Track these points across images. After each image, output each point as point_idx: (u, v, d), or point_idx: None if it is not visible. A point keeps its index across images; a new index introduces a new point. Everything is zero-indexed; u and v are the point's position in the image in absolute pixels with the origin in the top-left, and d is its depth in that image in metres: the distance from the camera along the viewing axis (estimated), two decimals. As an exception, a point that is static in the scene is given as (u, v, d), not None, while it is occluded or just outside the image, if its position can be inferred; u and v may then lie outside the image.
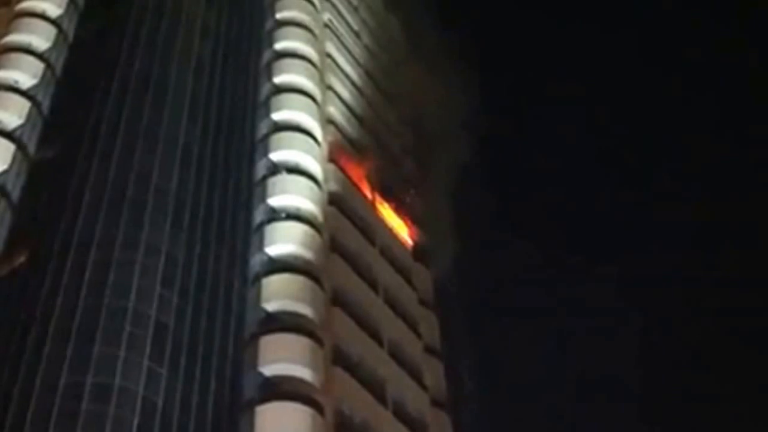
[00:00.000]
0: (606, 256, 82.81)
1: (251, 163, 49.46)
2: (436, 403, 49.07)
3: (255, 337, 41.51)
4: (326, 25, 63.52)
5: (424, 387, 48.63)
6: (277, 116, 51.64)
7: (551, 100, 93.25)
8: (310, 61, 56.83)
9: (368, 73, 64.37)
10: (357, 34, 67.95)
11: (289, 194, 47.43)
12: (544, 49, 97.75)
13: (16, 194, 43.40)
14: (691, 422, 70.23)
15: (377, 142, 60.29)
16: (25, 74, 47.41)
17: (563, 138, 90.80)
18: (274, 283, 43.37)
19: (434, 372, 50.67)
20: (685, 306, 79.57)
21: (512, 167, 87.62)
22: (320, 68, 57.97)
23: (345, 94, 59.68)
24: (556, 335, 72.59)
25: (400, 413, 45.16)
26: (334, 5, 66.80)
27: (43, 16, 50.84)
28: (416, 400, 47.13)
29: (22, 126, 45.52)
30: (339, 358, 43.19)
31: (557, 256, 78.38)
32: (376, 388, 44.28)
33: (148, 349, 37.10)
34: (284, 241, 45.17)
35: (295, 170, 48.92)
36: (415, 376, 48.42)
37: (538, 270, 76.17)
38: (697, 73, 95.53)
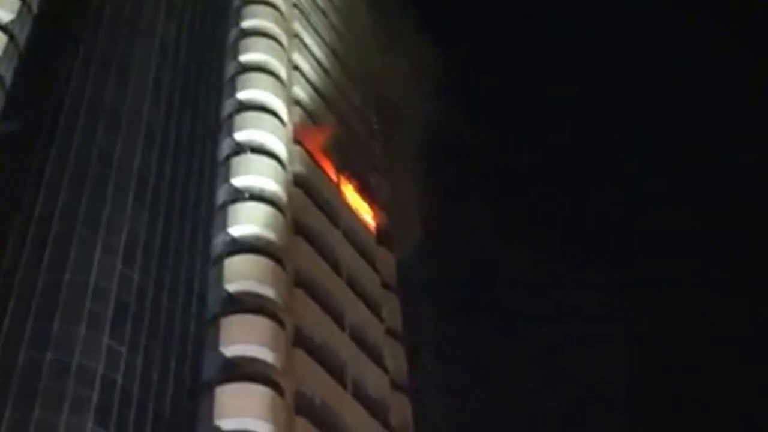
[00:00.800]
0: (594, 261, 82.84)
1: (215, 143, 49.73)
2: (396, 386, 49.88)
3: (216, 318, 41.86)
4: (294, 5, 63.66)
5: (385, 370, 49.41)
6: (242, 95, 51.82)
7: (541, 100, 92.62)
8: (277, 40, 57.01)
9: (336, 54, 64.67)
10: (324, 14, 68.13)
11: (253, 175, 47.71)
12: (534, 47, 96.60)
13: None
14: (678, 429, 71.28)
15: (343, 124, 60.69)
16: (-12, 47, 47.22)
17: (553, 140, 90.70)
18: (236, 263, 43.71)
19: (395, 355, 51.42)
20: (674, 312, 79.99)
21: (500, 170, 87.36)
22: (287, 48, 58.21)
23: (312, 74, 59.94)
24: (538, 337, 72.83)
25: (361, 395, 45.83)
26: (301, -16, 66.90)
27: (7, -12, 50.55)
28: (377, 383, 47.84)
29: (-17, 100, 45.40)
30: (300, 340, 43.70)
31: (544, 259, 78.56)
32: (336, 370, 44.91)
33: (108, 327, 37.46)
34: (247, 221, 45.50)
35: (259, 150, 49.18)
36: (376, 358, 49.14)
37: (524, 273, 76.44)
38: (690, 76, 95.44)
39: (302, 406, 41.26)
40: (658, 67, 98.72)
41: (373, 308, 51.61)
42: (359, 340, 48.39)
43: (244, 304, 42.25)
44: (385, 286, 55.09)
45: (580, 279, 76.59)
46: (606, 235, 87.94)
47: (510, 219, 79.28)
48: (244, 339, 40.96)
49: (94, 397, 35.22)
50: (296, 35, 60.99)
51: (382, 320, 51.94)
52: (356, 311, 49.77)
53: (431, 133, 67.97)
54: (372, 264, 54.60)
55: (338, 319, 47.51)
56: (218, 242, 45.06)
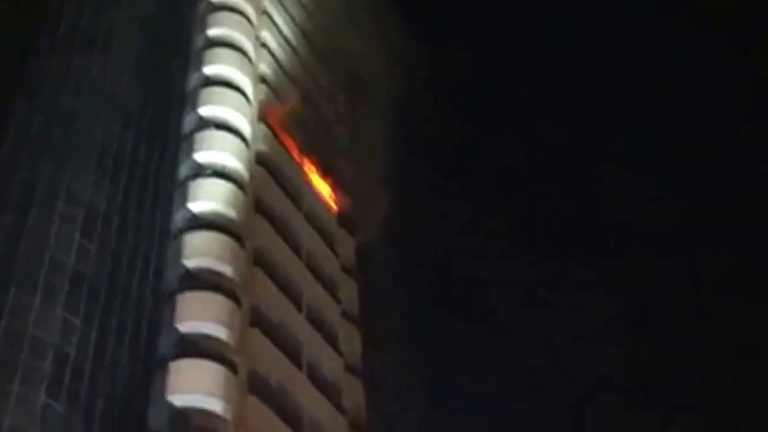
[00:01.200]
0: (587, 257, 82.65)
1: (180, 117, 49.70)
2: (350, 369, 50.38)
3: (173, 294, 42.02)
4: (265, -18, 63.44)
5: (339, 353, 49.86)
6: (208, 70, 51.76)
7: (534, 96, 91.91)
8: (245, 16, 56.91)
9: (305, 34, 64.61)
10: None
11: (216, 151, 47.74)
12: (529, 42, 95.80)
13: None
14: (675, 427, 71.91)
15: (310, 105, 60.81)
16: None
17: (550, 137, 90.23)
18: (195, 239, 43.81)
19: (351, 338, 51.83)
20: (673, 310, 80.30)
21: (488, 166, 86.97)
22: (256, 25, 58.13)
23: (280, 53, 59.92)
24: (520, 333, 73.08)
25: (315, 377, 46.29)
26: (274, -40, 66.64)
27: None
28: (331, 365, 48.32)
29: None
30: (257, 319, 44.02)
31: (534, 257, 78.50)
32: (292, 351, 45.27)
33: (63, 299, 37.54)
34: (208, 198, 45.57)
35: (223, 126, 49.22)
36: (332, 341, 49.56)
37: (514, 271, 76.54)
38: (683, 74, 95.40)
39: (256, 385, 41.59)
40: (649, 67, 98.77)
41: (331, 291, 51.95)
42: (316, 322, 48.72)
43: (202, 280, 42.42)
44: (344, 269, 55.41)
45: (572, 275, 77.02)
46: (603, 233, 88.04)
47: (499, 214, 79.41)
48: (199, 316, 41.17)
49: (47, 369, 35.33)
50: (265, 12, 60.88)
51: (339, 303, 52.32)
52: (314, 293, 50.09)
53: (409, 120, 68.54)
54: (332, 246, 54.90)
55: (295, 300, 47.80)
56: (178, 217, 45.12)
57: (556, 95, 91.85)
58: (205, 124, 49.06)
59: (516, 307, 75.94)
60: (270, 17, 61.10)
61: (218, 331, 41.06)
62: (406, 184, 68.07)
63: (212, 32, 54.13)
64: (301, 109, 58.64)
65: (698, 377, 76.13)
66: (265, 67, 56.69)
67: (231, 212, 45.63)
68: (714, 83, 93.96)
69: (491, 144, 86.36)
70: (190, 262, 43.06)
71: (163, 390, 38.69)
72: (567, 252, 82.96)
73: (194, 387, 39.07)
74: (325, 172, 58.42)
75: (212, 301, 41.86)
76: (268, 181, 50.77)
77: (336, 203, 58.25)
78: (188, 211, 45.13)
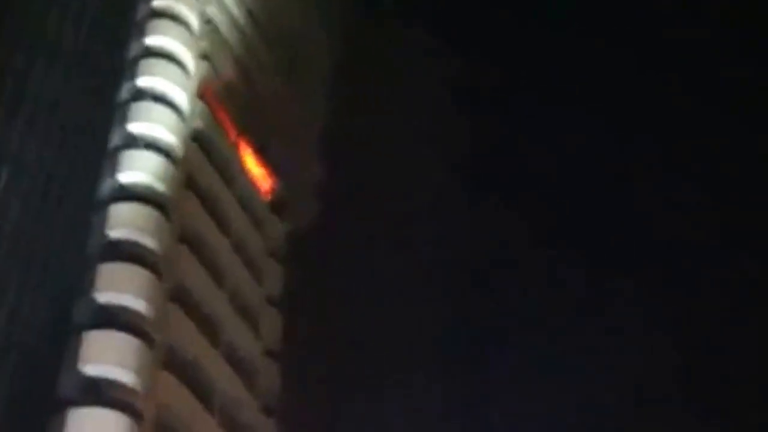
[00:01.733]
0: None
1: (117, 85, 49.75)
2: (268, 352, 51.11)
3: (94, 263, 42.37)
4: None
5: (259, 335, 50.56)
6: (150, 41, 51.83)
7: (564, 103, 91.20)
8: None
9: (251, 13, 64.86)
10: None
11: (151, 123, 47.96)
12: (558, 51, 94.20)
13: None
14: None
15: (251, 86, 61.09)
16: None
17: (578, 146, 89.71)
18: (121, 210, 44.14)
19: (271, 322, 52.55)
20: (717, 316, 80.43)
21: (526, 176, 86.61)
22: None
23: (224, 30, 60.13)
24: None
25: (232, 357, 46.99)
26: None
27: None
28: (249, 347, 49.04)
29: None
30: (177, 295, 44.55)
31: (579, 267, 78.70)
32: (210, 329, 45.93)
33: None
34: (138, 169, 45.83)
35: (160, 99, 49.42)
36: (252, 323, 50.25)
37: (555, 280, 76.93)
38: (701, 75, 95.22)
39: (170, 360, 42.18)
40: (664, 68, 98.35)
41: (256, 274, 52.58)
42: (238, 303, 49.38)
43: (124, 251, 42.81)
44: (271, 254, 56.01)
45: (618, 284, 77.33)
46: (647, 241, 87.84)
47: (540, 222, 79.45)
48: (119, 287, 41.61)
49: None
50: (213, -12, 60.96)
51: (262, 286, 52.95)
52: (238, 274, 50.72)
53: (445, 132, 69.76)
54: (261, 230, 55.47)
55: (219, 279, 48.40)
56: (106, 187, 45.33)
57: (589, 103, 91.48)
58: (141, 94, 49.15)
59: (558, 316, 76.33)
60: (217, -7, 61.19)
61: (137, 304, 41.55)
62: (440, 194, 69.76)
63: (156, 3, 54.14)
64: (242, 90, 58.96)
65: (750, 383, 76.55)
66: (208, 44, 56.86)
67: (160, 186, 45.96)
68: (755, 89, 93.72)
69: (529, 154, 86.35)
70: (114, 233, 43.41)
71: (76, 359, 39.16)
72: (611, 261, 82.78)
73: (107, 358, 39.61)
74: (261, 155, 58.88)
75: (133, 273, 42.31)
76: (201, 159, 51.14)
77: (269, 187, 58.75)
78: (116, 181, 45.38)
